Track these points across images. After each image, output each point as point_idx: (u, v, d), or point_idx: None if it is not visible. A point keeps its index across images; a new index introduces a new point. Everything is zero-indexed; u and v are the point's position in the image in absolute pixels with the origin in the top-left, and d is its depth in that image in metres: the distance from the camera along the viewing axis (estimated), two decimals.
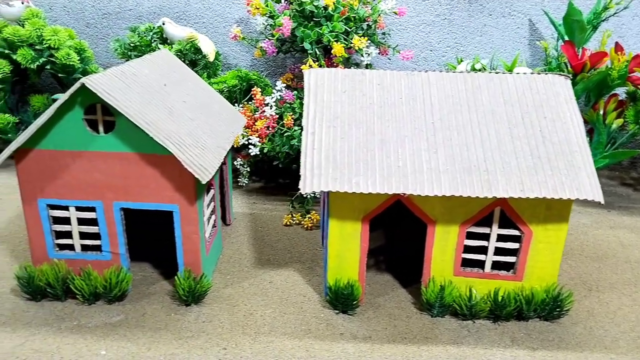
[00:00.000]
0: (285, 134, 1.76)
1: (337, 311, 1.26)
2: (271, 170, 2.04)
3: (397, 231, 1.64)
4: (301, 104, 1.81)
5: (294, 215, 1.71)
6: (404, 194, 1.12)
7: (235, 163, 1.93)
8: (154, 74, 1.31)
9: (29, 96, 2.10)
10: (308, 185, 1.14)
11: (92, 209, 1.21)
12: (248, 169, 1.94)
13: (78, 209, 1.21)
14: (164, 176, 1.16)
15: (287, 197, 1.88)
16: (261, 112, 1.79)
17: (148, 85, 1.24)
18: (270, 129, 1.76)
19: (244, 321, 1.21)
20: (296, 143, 1.75)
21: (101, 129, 1.14)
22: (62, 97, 1.09)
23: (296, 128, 1.77)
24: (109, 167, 1.16)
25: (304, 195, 1.75)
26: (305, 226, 1.68)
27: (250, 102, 1.90)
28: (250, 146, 1.76)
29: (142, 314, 1.22)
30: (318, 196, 1.75)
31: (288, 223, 1.70)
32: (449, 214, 1.19)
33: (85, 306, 1.24)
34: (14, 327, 1.16)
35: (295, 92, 1.85)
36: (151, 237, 1.51)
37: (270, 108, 1.76)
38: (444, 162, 1.15)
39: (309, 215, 1.69)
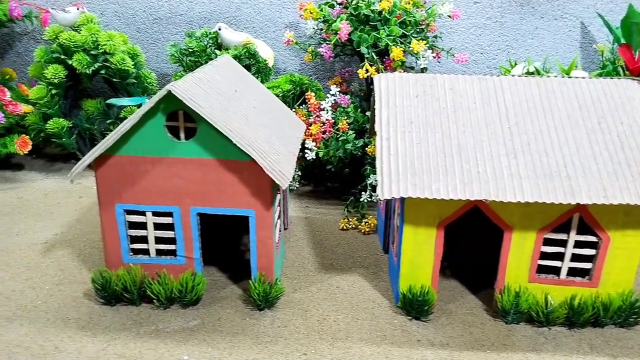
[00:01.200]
0: (340, 138, 1.76)
1: (409, 317, 1.25)
2: (320, 173, 2.04)
3: (456, 237, 1.63)
4: (355, 108, 1.81)
5: (349, 219, 1.71)
6: (486, 200, 1.11)
7: None
8: (225, 81, 1.32)
9: (81, 100, 2.12)
10: (386, 191, 1.14)
11: (169, 214, 1.22)
12: (299, 173, 1.95)
13: (155, 214, 1.22)
14: (241, 182, 1.17)
15: (339, 200, 1.88)
16: (316, 117, 1.79)
17: (222, 91, 1.25)
18: (326, 133, 1.76)
19: (318, 326, 1.21)
20: (350, 147, 1.75)
21: (182, 135, 1.15)
22: (146, 104, 1.10)
23: (351, 132, 1.76)
24: (189, 173, 1.17)
25: (360, 200, 1.75)
26: (363, 231, 1.67)
27: (302, 107, 1.90)
28: (306, 150, 1.76)
29: (217, 318, 1.23)
30: (375, 200, 1.74)
31: (344, 227, 1.70)
32: (527, 220, 1.18)
33: (161, 311, 1.25)
34: (94, 332, 1.18)
35: (349, 96, 1.85)
36: (216, 241, 1.52)
37: (327, 112, 1.76)
38: (524, 168, 1.15)
39: (365, 220, 1.69)
